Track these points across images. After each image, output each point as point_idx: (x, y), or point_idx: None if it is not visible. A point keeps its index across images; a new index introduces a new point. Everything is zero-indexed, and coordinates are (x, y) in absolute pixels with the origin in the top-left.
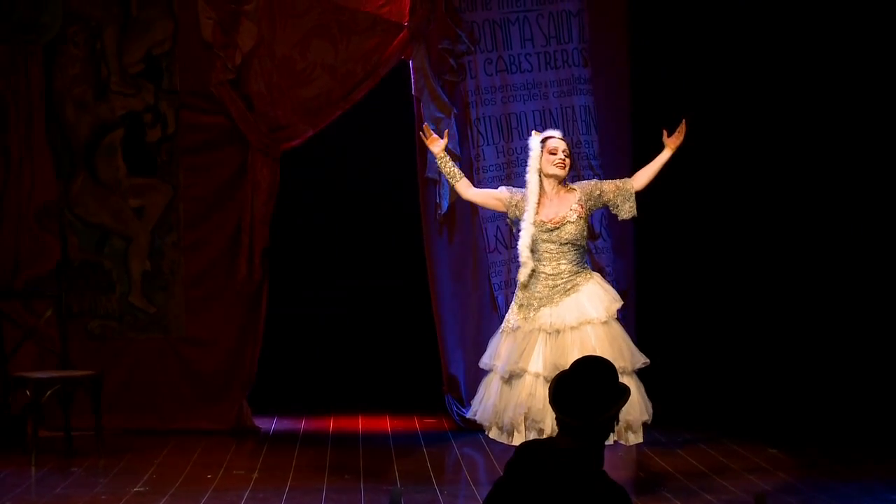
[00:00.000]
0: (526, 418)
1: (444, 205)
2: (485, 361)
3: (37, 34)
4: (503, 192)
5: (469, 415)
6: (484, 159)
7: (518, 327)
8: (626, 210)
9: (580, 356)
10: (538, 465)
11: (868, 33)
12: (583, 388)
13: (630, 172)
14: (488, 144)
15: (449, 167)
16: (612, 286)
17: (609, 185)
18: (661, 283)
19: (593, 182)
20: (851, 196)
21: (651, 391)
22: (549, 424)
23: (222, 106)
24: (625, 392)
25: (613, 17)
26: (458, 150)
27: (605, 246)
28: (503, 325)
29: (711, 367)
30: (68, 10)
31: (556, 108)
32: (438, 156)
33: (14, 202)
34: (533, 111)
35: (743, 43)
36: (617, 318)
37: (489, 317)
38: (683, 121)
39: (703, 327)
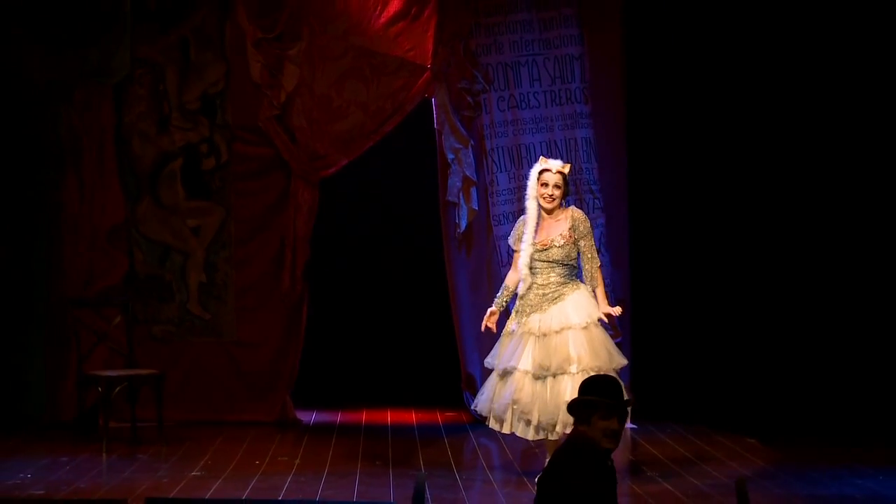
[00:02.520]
0: (514, 410)
1: (463, 224)
2: (488, 361)
3: (108, 76)
4: (513, 244)
5: (472, 407)
6: (497, 184)
7: (513, 330)
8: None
9: (561, 356)
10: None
11: (843, 50)
12: (612, 383)
13: (625, 196)
14: (501, 171)
15: (504, 299)
16: (610, 295)
17: (585, 244)
18: (653, 292)
19: (586, 228)
20: (822, 213)
21: (644, 387)
22: (535, 416)
23: (268, 138)
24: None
25: (611, 60)
26: (475, 176)
27: (603, 260)
28: (504, 329)
29: (698, 365)
30: (135, 55)
31: (561, 140)
32: (498, 310)
33: (88, 222)
34: (540, 142)
35: (726, 79)
36: (600, 325)
37: (502, 322)
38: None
39: (691, 330)
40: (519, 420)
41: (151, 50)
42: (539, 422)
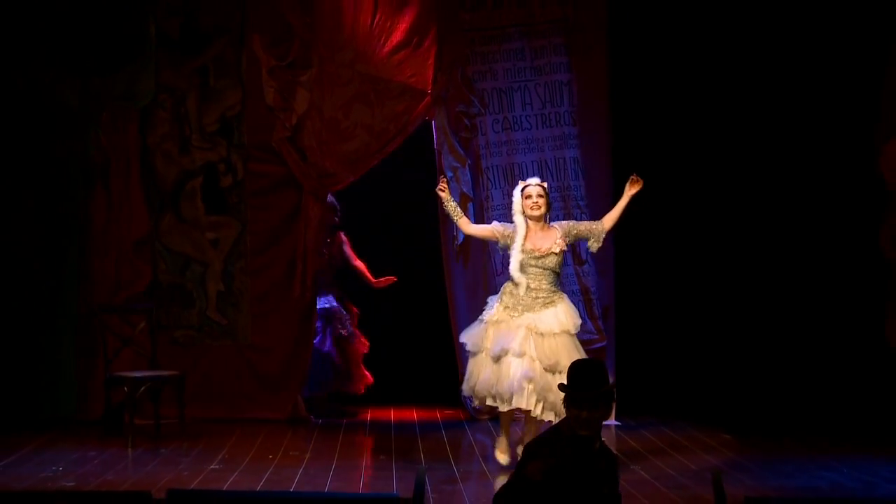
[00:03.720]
0: (534, 388)
1: (460, 237)
2: (476, 344)
3: (134, 101)
4: (496, 226)
5: (465, 392)
6: (492, 200)
7: (502, 321)
8: (595, 246)
9: (566, 355)
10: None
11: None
12: (589, 372)
13: (609, 210)
14: (496, 188)
15: (452, 206)
16: (596, 303)
17: (583, 225)
18: (636, 299)
19: (571, 223)
20: (790, 223)
21: (627, 385)
22: (549, 397)
23: (281, 158)
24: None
25: (597, 86)
26: (472, 193)
27: (590, 270)
28: (486, 317)
29: (677, 366)
30: (159, 82)
31: (551, 159)
32: (444, 199)
33: (115, 235)
34: (532, 161)
35: (703, 103)
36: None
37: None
38: (634, 174)
39: (671, 334)
40: (530, 395)
41: (174, 76)
42: (552, 408)
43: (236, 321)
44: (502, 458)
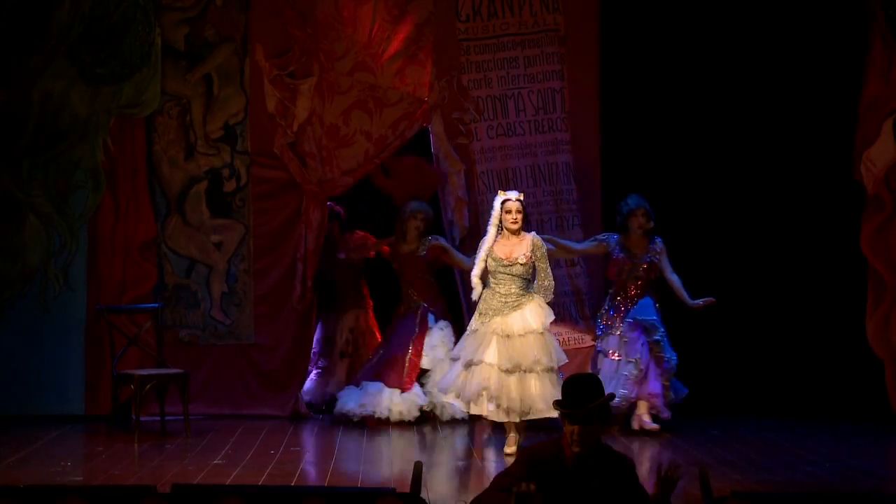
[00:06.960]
0: (485, 395)
1: (457, 239)
2: (454, 353)
3: (140, 109)
4: (482, 252)
5: (437, 387)
6: (486, 203)
7: (476, 329)
8: (538, 288)
9: (530, 357)
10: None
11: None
12: (579, 388)
13: (600, 213)
14: (490, 192)
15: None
16: (587, 303)
17: (543, 264)
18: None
19: (543, 250)
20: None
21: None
22: (504, 402)
23: (283, 163)
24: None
25: (587, 93)
26: (468, 197)
27: (581, 272)
28: (468, 328)
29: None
30: (165, 90)
31: (544, 164)
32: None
33: (122, 238)
34: (525, 166)
35: (690, 111)
36: (548, 330)
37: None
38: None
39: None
40: (488, 402)
41: (179, 85)
42: (508, 408)
43: (239, 321)
44: (510, 449)
